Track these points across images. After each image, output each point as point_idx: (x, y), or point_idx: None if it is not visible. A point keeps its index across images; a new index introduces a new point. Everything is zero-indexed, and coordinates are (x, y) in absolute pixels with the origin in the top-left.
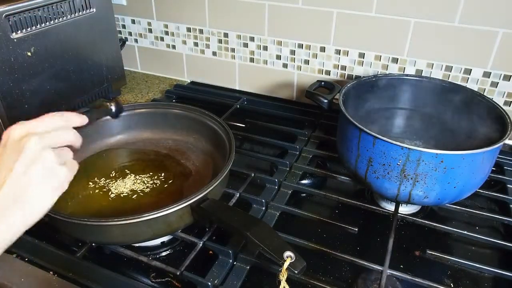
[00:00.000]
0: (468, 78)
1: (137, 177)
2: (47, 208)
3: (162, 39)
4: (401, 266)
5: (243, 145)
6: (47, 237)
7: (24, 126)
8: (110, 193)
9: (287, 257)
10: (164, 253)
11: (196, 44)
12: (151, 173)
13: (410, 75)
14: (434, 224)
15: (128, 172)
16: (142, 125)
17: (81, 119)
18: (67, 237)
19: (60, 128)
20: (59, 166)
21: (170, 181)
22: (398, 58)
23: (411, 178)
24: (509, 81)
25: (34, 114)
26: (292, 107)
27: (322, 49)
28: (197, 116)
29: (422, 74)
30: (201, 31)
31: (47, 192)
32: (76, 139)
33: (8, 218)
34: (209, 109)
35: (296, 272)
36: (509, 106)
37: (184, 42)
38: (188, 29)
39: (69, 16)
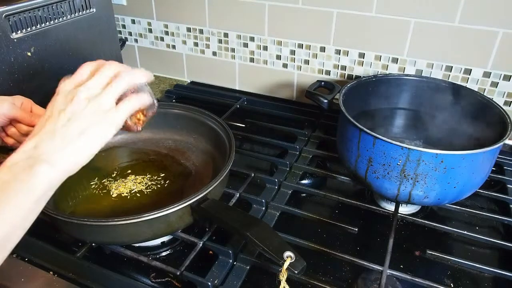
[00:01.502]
0: (468, 78)
1: (137, 177)
2: (90, 155)
3: (162, 39)
4: (401, 266)
5: (243, 145)
6: (47, 237)
7: (74, 81)
8: (110, 193)
9: (287, 257)
10: (164, 253)
11: (196, 44)
12: (151, 173)
13: (410, 75)
14: (434, 224)
15: (128, 172)
16: None
17: (146, 77)
18: (67, 237)
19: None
20: (112, 112)
21: (170, 181)
22: (398, 58)
23: (411, 178)
24: (509, 81)
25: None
26: (292, 107)
27: (322, 49)
28: (197, 116)
29: (422, 74)
30: (201, 31)
31: (88, 141)
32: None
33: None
34: (209, 109)
35: (296, 272)
36: (509, 106)
37: (184, 42)
38: (188, 29)
39: (69, 16)
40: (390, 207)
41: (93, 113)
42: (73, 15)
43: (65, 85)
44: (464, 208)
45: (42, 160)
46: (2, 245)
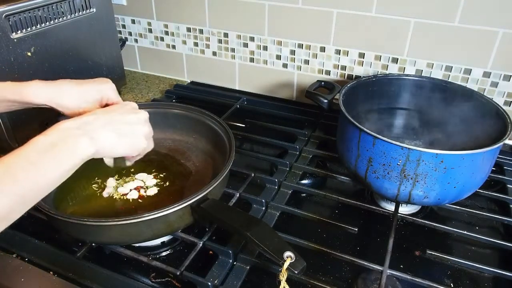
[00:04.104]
0: (468, 78)
1: (138, 177)
2: (112, 153)
3: (162, 39)
4: (401, 266)
5: (243, 145)
6: (47, 237)
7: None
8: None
9: (287, 257)
10: (164, 253)
11: (196, 44)
12: (151, 173)
13: (410, 75)
14: (434, 224)
15: (128, 172)
16: None
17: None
18: (67, 237)
19: None
20: (143, 137)
21: (170, 181)
22: (398, 58)
23: (411, 178)
24: (509, 81)
25: (34, 114)
26: (292, 107)
27: (322, 49)
28: (197, 116)
29: (422, 74)
30: (201, 31)
31: (121, 142)
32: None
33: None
34: (209, 109)
35: (296, 272)
36: (509, 106)
37: (184, 42)
38: (188, 29)
39: (69, 16)
40: (390, 207)
41: (140, 132)
42: (73, 15)
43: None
44: (464, 208)
45: (90, 136)
46: (31, 199)
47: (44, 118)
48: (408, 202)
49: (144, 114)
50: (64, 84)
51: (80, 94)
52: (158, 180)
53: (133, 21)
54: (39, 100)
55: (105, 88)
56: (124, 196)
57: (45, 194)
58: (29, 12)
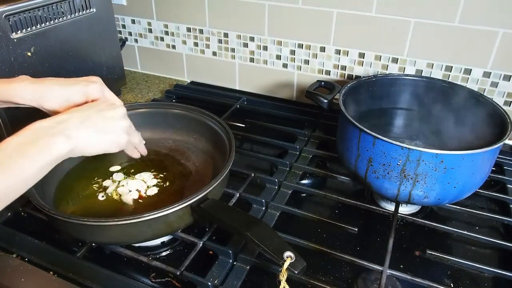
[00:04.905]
0: (468, 78)
1: (138, 177)
2: (91, 150)
3: (162, 39)
4: (401, 266)
5: (243, 145)
6: (47, 237)
7: (119, 102)
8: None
9: (287, 257)
10: (164, 253)
11: (196, 44)
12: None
13: (410, 75)
14: (434, 224)
15: (128, 172)
16: (142, 125)
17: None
18: (67, 237)
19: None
20: (122, 132)
21: (170, 181)
22: (398, 58)
23: (411, 178)
24: (509, 81)
25: (34, 114)
26: (292, 107)
27: (322, 49)
28: (197, 116)
29: (422, 74)
30: (201, 31)
31: (99, 139)
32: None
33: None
34: (209, 109)
35: (296, 272)
36: (509, 106)
37: (184, 42)
38: (188, 29)
39: (69, 16)
40: (390, 207)
41: (118, 127)
42: (73, 15)
43: (112, 98)
44: (464, 208)
45: (64, 134)
46: (10, 195)
47: (43, 113)
48: (408, 202)
49: (122, 109)
50: (50, 85)
51: (65, 96)
52: (158, 180)
53: (133, 21)
54: (24, 101)
55: (91, 89)
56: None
57: (25, 190)
58: (29, 12)
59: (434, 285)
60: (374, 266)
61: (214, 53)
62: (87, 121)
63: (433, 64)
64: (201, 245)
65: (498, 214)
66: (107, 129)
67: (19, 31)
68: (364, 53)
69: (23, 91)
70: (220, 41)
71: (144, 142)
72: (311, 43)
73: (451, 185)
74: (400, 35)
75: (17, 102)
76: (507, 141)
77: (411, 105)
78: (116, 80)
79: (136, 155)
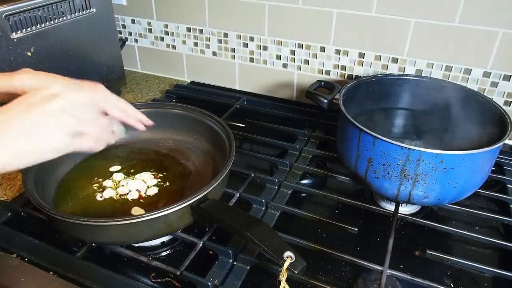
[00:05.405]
0: (468, 78)
1: (138, 177)
2: (22, 163)
3: (162, 39)
4: (401, 266)
5: (243, 145)
6: (47, 237)
7: (62, 90)
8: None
9: (287, 257)
10: (164, 253)
11: (196, 44)
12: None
13: (410, 75)
14: (434, 224)
15: (128, 172)
16: None
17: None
18: (67, 237)
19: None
20: (61, 132)
21: (170, 181)
22: (398, 58)
23: (411, 178)
24: (509, 81)
25: None
26: (292, 107)
27: (322, 49)
28: (197, 116)
29: (422, 74)
30: (201, 31)
31: (28, 149)
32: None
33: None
34: (209, 109)
35: (296, 272)
36: (509, 106)
37: (184, 42)
38: (188, 29)
39: (69, 16)
40: (390, 207)
41: (53, 128)
42: (73, 15)
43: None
44: (464, 208)
45: None
46: None
47: None
48: (408, 202)
49: (57, 103)
50: (55, 75)
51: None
52: (158, 180)
53: (133, 21)
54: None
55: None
56: (124, 196)
57: None
58: (29, 12)
59: (434, 285)
60: (374, 266)
61: (214, 53)
62: (8, 130)
63: (433, 64)
64: (201, 245)
65: (498, 214)
66: (38, 134)
67: (19, 31)
68: (364, 53)
69: (26, 79)
70: (220, 41)
71: (130, 105)
72: (311, 43)
73: (451, 185)
74: (400, 35)
75: (20, 93)
76: (507, 141)
77: (411, 105)
78: (116, 80)
79: (140, 127)
